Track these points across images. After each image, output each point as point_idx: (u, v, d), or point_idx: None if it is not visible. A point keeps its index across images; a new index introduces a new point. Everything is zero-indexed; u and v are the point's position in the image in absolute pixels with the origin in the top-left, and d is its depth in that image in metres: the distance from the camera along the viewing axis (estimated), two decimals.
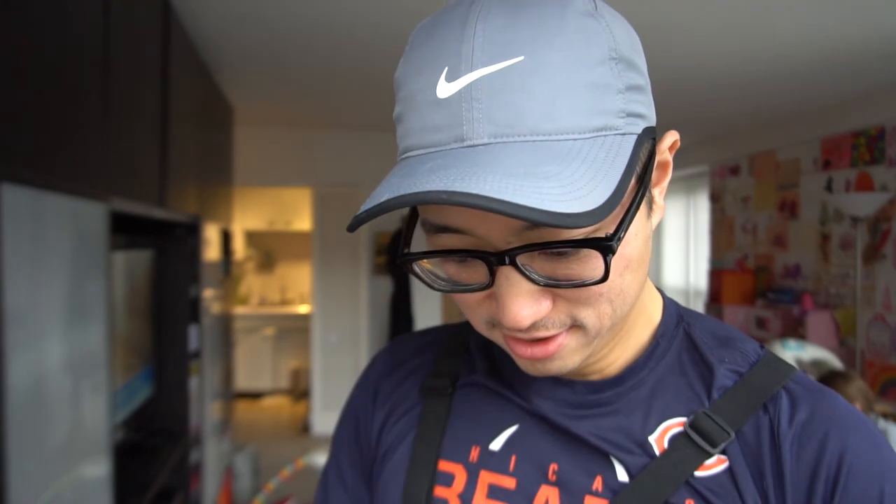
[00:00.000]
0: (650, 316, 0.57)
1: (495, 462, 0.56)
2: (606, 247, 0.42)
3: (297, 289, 7.50)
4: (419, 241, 0.50)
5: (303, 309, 6.98)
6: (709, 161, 5.43)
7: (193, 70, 2.77)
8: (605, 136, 0.43)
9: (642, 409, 0.54)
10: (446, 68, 0.42)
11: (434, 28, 0.46)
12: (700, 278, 5.66)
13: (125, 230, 1.98)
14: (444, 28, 0.44)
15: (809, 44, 2.81)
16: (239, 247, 6.95)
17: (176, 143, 2.35)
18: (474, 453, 0.57)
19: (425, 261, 0.49)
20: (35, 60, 1.20)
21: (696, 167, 5.63)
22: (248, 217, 7.17)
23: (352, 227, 0.41)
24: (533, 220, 0.37)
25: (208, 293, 2.90)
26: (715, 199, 5.38)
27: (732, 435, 0.50)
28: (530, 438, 0.55)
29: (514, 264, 0.44)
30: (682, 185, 6.16)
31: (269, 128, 5.02)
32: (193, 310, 2.55)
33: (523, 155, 0.40)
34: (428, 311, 5.26)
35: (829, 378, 2.56)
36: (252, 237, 7.34)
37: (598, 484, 0.52)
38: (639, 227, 0.47)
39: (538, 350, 0.48)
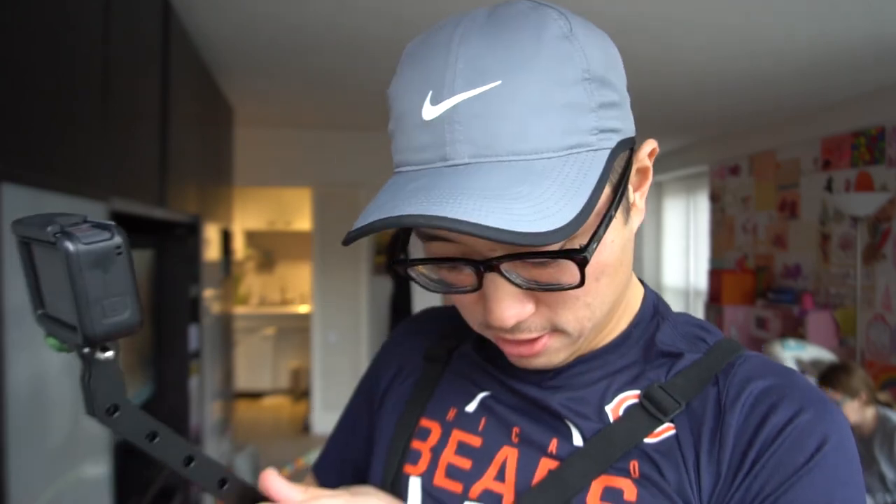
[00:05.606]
0: (631, 308, 0.62)
1: (467, 422, 0.62)
2: (581, 258, 0.46)
3: (297, 289, 7.50)
4: (416, 246, 0.53)
5: (303, 309, 6.97)
6: (709, 161, 5.43)
7: (193, 70, 2.77)
8: (577, 153, 0.46)
9: (604, 384, 0.58)
10: (430, 92, 0.46)
11: (422, 49, 0.49)
12: (700, 278, 5.66)
13: (125, 230, 1.98)
14: (431, 50, 0.48)
15: (809, 44, 2.81)
16: (239, 247, 6.95)
17: (176, 143, 2.35)
18: (451, 413, 0.63)
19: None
20: (35, 60, 1.20)
21: (696, 167, 5.63)
22: (248, 217, 7.16)
23: (346, 243, 0.46)
24: (501, 240, 0.40)
25: (208, 293, 2.90)
26: (715, 199, 5.38)
27: (683, 405, 0.54)
28: (500, 403, 0.61)
29: (497, 270, 0.48)
30: (682, 185, 6.16)
31: (269, 128, 5.02)
32: (193, 310, 2.55)
33: (499, 175, 0.44)
34: None
35: (832, 371, 2.53)
36: (252, 237, 7.34)
37: (553, 447, 0.56)
38: (615, 234, 0.51)
39: (525, 349, 0.54)
